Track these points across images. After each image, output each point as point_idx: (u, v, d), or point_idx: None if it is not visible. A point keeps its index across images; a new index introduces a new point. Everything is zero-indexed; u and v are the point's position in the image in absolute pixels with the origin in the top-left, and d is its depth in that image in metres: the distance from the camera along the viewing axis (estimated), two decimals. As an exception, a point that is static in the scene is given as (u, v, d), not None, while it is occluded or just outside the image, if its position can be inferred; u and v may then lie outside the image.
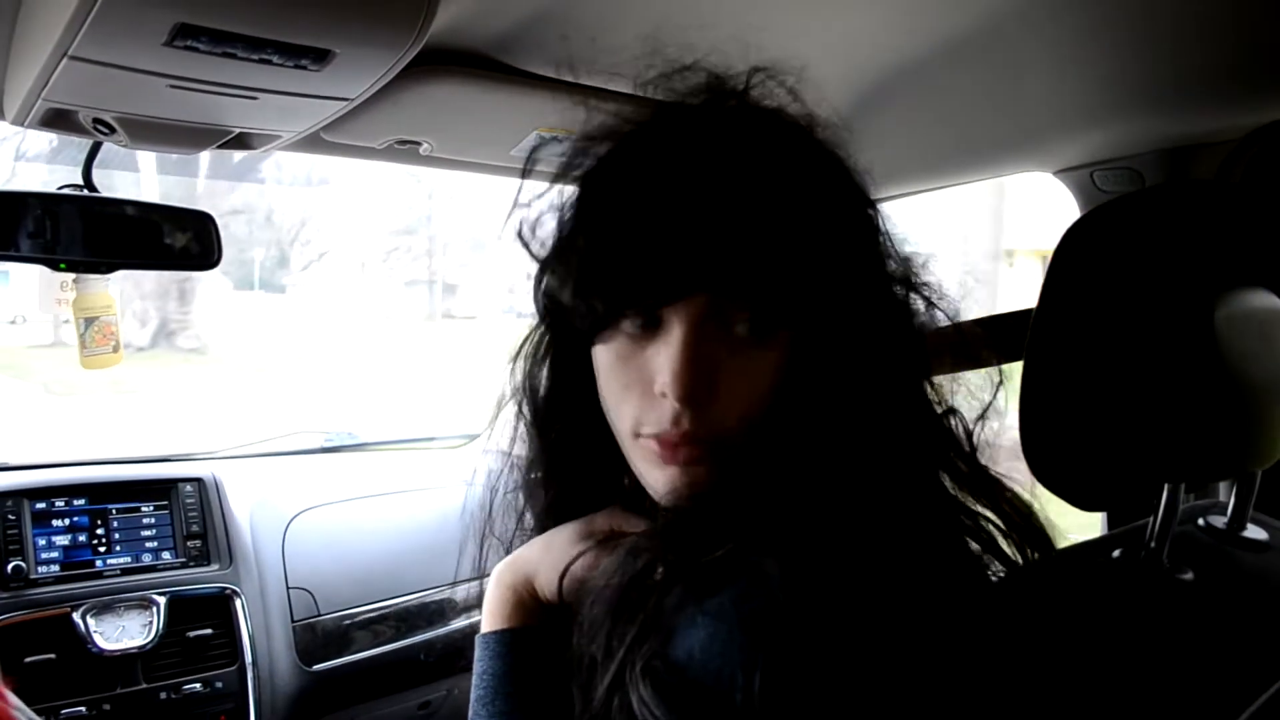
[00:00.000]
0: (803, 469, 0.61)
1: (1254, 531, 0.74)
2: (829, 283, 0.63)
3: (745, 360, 0.63)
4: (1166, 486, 0.68)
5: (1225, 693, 0.60)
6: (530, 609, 0.74)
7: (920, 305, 0.70)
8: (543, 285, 0.71)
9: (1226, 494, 0.76)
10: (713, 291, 0.61)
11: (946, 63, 1.12)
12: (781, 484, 0.61)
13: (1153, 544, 0.69)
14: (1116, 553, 0.72)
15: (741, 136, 0.65)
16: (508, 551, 0.79)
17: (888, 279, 0.69)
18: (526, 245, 0.71)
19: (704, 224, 0.60)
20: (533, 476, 0.79)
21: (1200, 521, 0.76)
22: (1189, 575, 0.68)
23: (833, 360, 0.63)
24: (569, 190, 0.70)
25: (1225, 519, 0.75)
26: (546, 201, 0.71)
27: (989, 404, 0.70)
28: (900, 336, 0.67)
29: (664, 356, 0.63)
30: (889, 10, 1.05)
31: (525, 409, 0.78)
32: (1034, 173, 1.39)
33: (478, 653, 0.74)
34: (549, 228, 0.71)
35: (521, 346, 0.78)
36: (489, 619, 0.76)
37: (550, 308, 0.71)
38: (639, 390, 0.65)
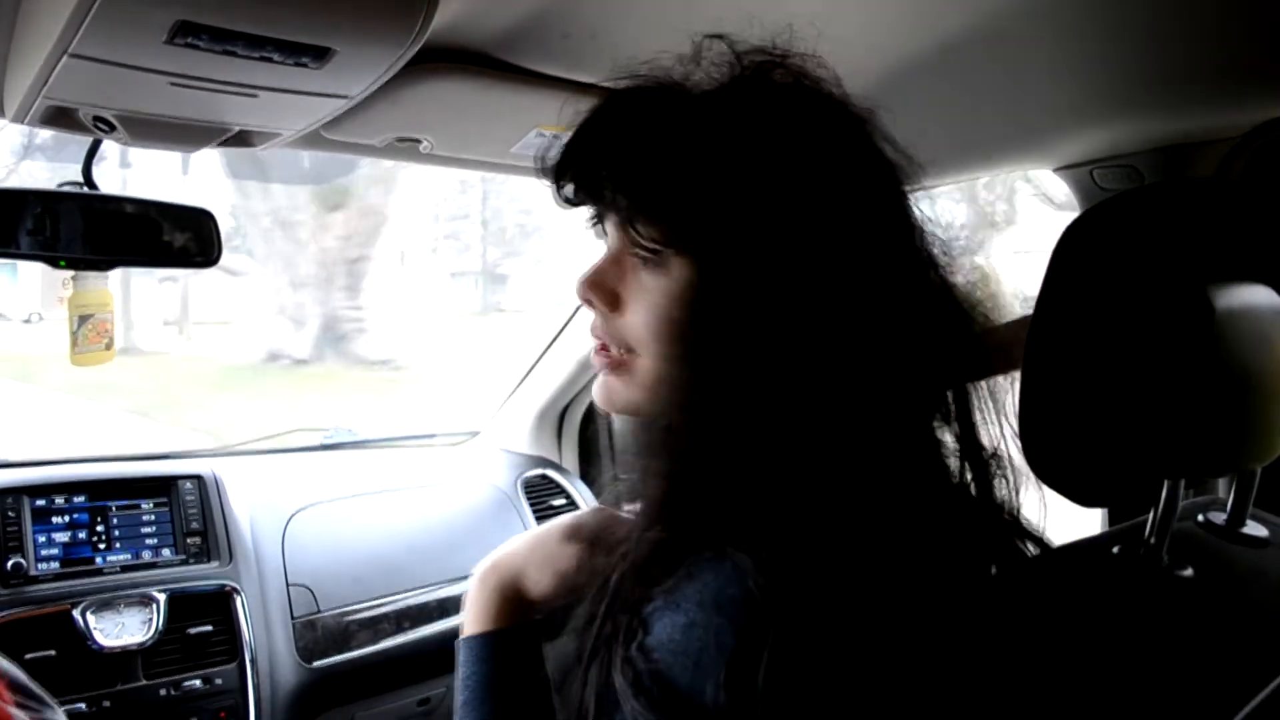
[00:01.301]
0: (750, 449, 0.61)
1: (1253, 528, 0.75)
2: (728, 217, 0.63)
3: (637, 282, 0.69)
4: (1166, 483, 0.68)
5: (1225, 689, 0.60)
6: (515, 609, 0.75)
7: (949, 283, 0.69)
8: None
9: (1226, 490, 0.76)
10: (595, 202, 0.71)
11: (947, 60, 1.12)
12: (748, 464, 0.61)
13: (1152, 540, 0.69)
14: (1116, 549, 0.72)
15: (720, 95, 0.69)
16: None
17: (900, 240, 0.67)
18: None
19: (606, 143, 0.69)
20: None
21: (1200, 518, 0.76)
22: (1188, 572, 0.68)
23: (741, 306, 0.62)
24: None
25: (1225, 515, 0.75)
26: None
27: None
28: (879, 297, 0.64)
29: None
30: (890, 8, 1.05)
31: None
32: (1034, 170, 1.39)
33: (461, 656, 0.74)
34: None
35: None
36: (472, 622, 0.75)
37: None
38: None
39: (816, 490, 0.59)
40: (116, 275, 1.30)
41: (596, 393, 0.74)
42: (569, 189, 0.73)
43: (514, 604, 0.75)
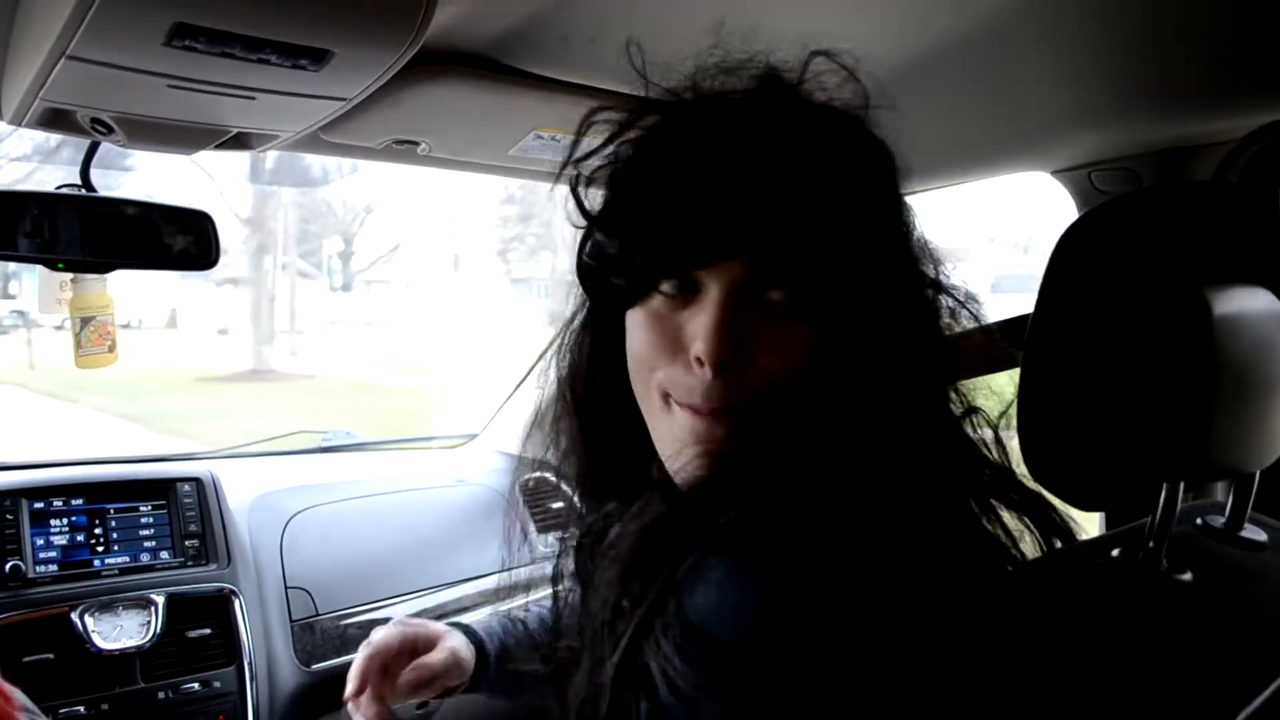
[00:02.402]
0: (822, 442, 0.61)
1: (1252, 532, 0.74)
2: (863, 261, 0.64)
3: (779, 328, 0.64)
4: (1164, 486, 0.68)
5: (1223, 693, 0.60)
6: None
7: (946, 308, 0.71)
8: (588, 245, 0.71)
9: (1224, 494, 0.76)
10: (750, 255, 0.62)
11: (945, 63, 1.12)
12: (800, 453, 0.61)
13: (1151, 544, 0.69)
14: (1115, 552, 0.72)
15: (790, 114, 0.66)
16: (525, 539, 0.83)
17: (918, 277, 0.70)
18: (580, 201, 0.71)
19: (744, 189, 0.61)
20: (566, 447, 0.81)
21: (1198, 521, 0.76)
22: (1187, 575, 0.68)
23: (860, 338, 0.64)
24: (623, 151, 0.70)
25: (1223, 519, 0.75)
26: (600, 158, 0.72)
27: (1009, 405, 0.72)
28: (923, 335, 0.69)
29: (699, 322, 0.63)
30: (888, 11, 1.05)
31: (563, 377, 0.79)
32: (1032, 173, 1.39)
33: None
34: (600, 188, 0.72)
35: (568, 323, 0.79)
36: None
37: (591, 269, 0.71)
38: (670, 352, 0.66)
39: (855, 483, 0.60)
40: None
41: (699, 470, 0.65)
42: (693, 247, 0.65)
43: None
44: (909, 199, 0.72)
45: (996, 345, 0.75)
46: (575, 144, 0.72)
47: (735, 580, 0.55)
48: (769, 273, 0.63)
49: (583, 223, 0.71)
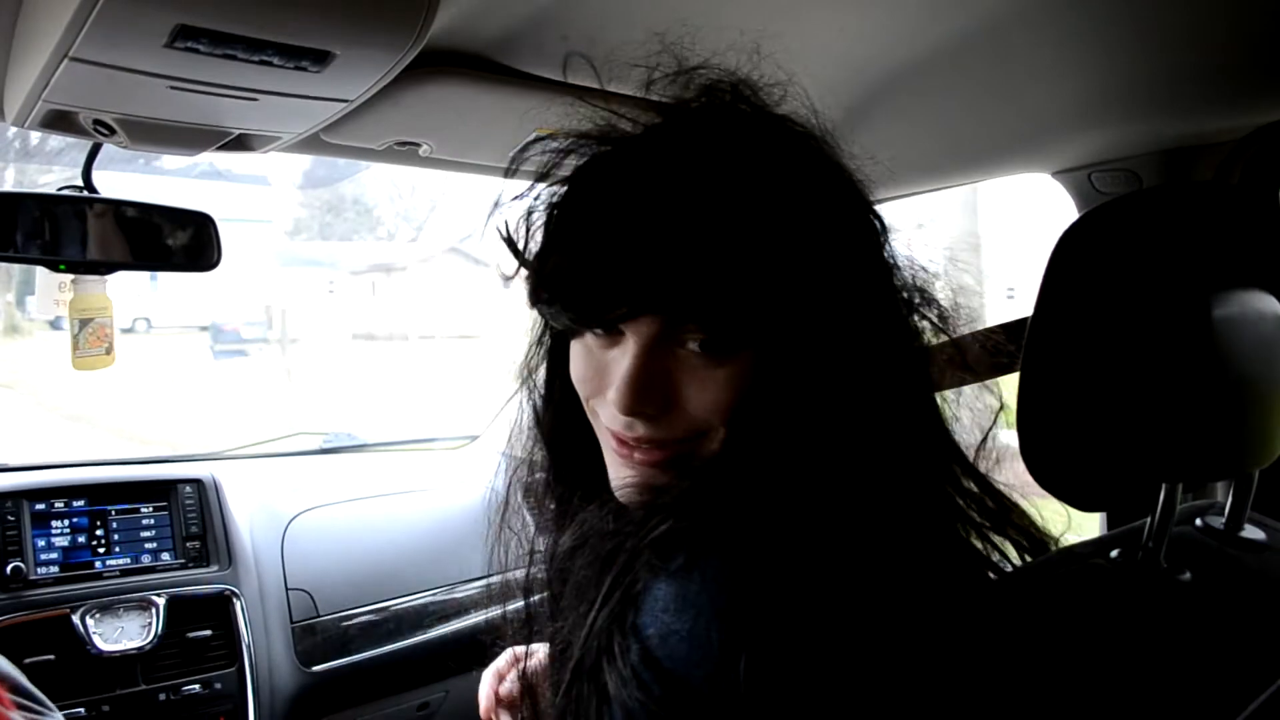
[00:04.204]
0: (772, 470, 0.62)
1: (1252, 532, 0.74)
2: (795, 301, 0.63)
3: (699, 375, 0.64)
4: (1164, 487, 0.68)
5: (1223, 693, 0.60)
6: None
7: (926, 323, 0.71)
8: (527, 285, 0.72)
9: (1224, 494, 0.76)
10: (664, 314, 0.63)
11: (946, 64, 1.12)
12: (749, 481, 0.61)
13: (1150, 544, 0.69)
14: (1114, 553, 0.72)
15: (720, 151, 0.65)
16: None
17: (889, 289, 0.69)
18: (515, 249, 0.72)
19: (656, 249, 0.62)
20: (534, 464, 0.82)
21: (1198, 522, 0.76)
22: (1187, 576, 0.68)
23: (805, 372, 0.64)
24: (545, 195, 0.72)
25: (1223, 519, 0.75)
26: (529, 202, 0.73)
27: (992, 424, 0.72)
28: (895, 347, 0.68)
29: (619, 368, 0.65)
30: (889, 12, 1.05)
31: (527, 398, 0.81)
32: (1032, 173, 1.39)
33: None
34: (529, 229, 0.73)
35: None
36: None
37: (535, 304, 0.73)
38: (597, 385, 0.69)
39: (821, 497, 0.60)
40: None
41: (631, 495, 0.67)
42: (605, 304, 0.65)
43: None
44: (893, 203, 0.71)
45: (965, 357, 0.76)
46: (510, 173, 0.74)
47: (688, 603, 0.54)
48: (684, 326, 0.64)
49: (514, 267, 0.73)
